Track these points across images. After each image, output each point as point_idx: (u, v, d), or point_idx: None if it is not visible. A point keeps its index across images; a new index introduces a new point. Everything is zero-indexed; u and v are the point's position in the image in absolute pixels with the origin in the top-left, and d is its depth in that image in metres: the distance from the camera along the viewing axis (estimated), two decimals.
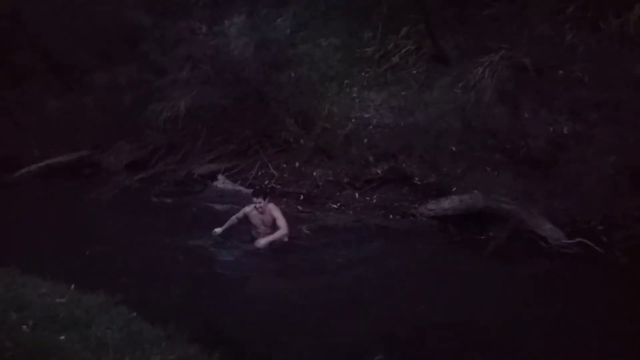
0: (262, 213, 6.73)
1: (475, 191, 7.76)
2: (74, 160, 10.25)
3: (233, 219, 6.91)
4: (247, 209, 6.81)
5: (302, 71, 10.03)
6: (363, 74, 10.01)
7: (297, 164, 9.66)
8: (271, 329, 4.76)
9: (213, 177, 9.67)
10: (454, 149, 8.58)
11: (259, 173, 9.76)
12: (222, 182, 9.42)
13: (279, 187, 9.35)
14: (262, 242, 6.51)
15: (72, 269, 5.57)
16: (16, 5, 9.95)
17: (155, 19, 9.76)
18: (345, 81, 9.96)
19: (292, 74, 10.05)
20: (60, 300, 4.40)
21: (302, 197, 8.96)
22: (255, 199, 6.63)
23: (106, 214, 8.09)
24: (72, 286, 4.85)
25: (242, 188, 9.30)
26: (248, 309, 5.21)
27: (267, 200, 6.72)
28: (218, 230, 6.82)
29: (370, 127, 9.38)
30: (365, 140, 9.22)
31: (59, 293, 4.58)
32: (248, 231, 6.96)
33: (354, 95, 9.86)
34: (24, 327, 3.71)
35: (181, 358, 3.85)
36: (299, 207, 8.57)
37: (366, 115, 9.52)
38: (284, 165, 9.76)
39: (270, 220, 6.75)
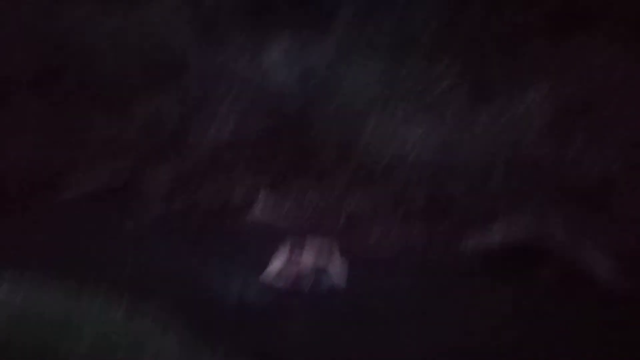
0: None
1: (522, 227, 7.50)
2: (113, 184, 10.28)
3: None
4: None
5: (342, 102, 9.98)
6: (404, 106, 9.90)
7: (333, 197, 9.55)
8: None
9: (250, 207, 9.61)
10: (497, 185, 8.36)
11: (295, 204, 9.67)
12: (259, 213, 9.34)
13: (314, 218, 9.22)
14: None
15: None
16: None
17: (197, 48, 9.94)
18: (385, 114, 9.87)
19: (332, 105, 10.02)
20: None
21: (337, 230, 8.81)
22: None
23: (145, 241, 8.05)
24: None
25: (280, 217, 9.20)
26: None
27: None
28: None
29: (409, 161, 9.23)
30: (406, 173, 9.06)
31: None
32: None
33: (393, 129, 9.76)
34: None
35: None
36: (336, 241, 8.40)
37: (405, 150, 9.38)
38: (319, 198, 9.66)
39: None
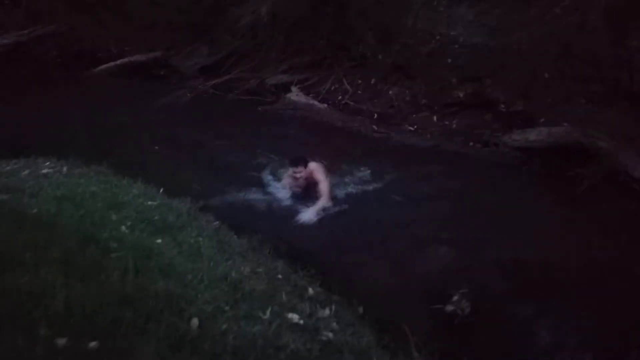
0: (297, 179, 5.68)
1: (566, 124, 7.27)
2: (149, 60, 10.21)
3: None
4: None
5: None
6: None
7: (372, 81, 9.32)
8: (354, 253, 4.71)
9: (286, 88, 9.46)
10: (546, 75, 7.99)
11: (332, 87, 9.48)
12: (295, 95, 9.20)
13: (352, 103, 9.09)
14: (306, 216, 5.29)
15: (158, 173, 5.64)
16: None
17: None
18: None
19: None
20: (152, 203, 4.48)
21: (376, 116, 8.70)
22: (293, 169, 5.56)
23: (184, 117, 8.08)
24: (161, 190, 4.94)
25: (315, 102, 9.07)
26: (331, 233, 5.15)
27: (306, 167, 5.61)
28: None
29: (457, 45, 8.80)
30: (449, 60, 8.69)
31: (150, 196, 4.66)
32: None
33: (441, 9, 9.20)
34: (123, 227, 3.79)
35: (269, 271, 3.87)
36: (374, 127, 8.32)
37: (453, 33, 8.90)
38: (359, 81, 9.43)
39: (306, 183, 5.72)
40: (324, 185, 5.57)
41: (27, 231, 3.10)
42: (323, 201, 5.45)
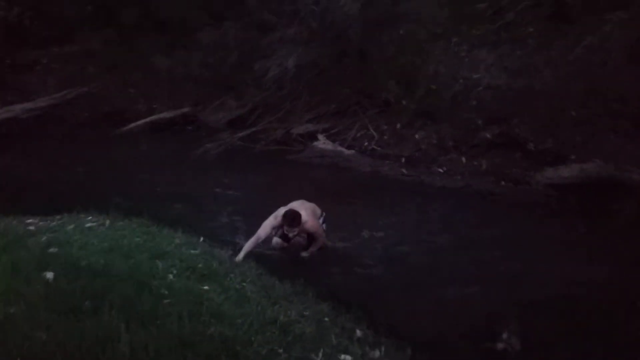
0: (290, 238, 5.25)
1: (597, 160, 7.25)
2: (177, 116, 10.50)
3: (252, 242, 4.96)
4: (267, 229, 5.02)
5: (407, 28, 9.63)
6: (474, 31, 9.45)
7: (398, 126, 9.44)
8: (398, 296, 4.67)
9: (312, 137, 9.62)
10: (574, 113, 8.04)
11: (358, 134, 9.60)
12: (322, 142, 9.34)
13: (379, 149, 9.18)
14: (305, 254, 5.28)
15: (196, 223, 5.71)
16: None
17: None
18: (454, 39, 9.46)
19: (397, 32, 9.69)
20: (194, 252, 4.52)
21: (404, 160, 8.76)
22: (288, 228, 4.98)
23: (215, 170, 8.22)
24: (201, 239, 5.00)
25: (342, 149, 9.19)
26: (369, 272, 5.14)
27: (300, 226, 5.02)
28: (241, 257, 4.80)
29: (480, 88, 8.91)
30: (474, 103, 8.78)
31: (192, 245, 4.71)
32: None
33: (463, 54, 9.38)
34: (170, 275, 3.83)
35: (315, 314, 3.85)
36: (403, 170, 8.38)
37: (475, 76, 9.04)
38: (385, 127, 9.55)
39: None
40: (320, 241, 5.25)
41: (83, 280, 3.16)
42: (321, 242, 5.24)
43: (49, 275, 3.21)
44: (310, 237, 5.29)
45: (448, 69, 9.27)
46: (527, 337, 4.01)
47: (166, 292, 3.32)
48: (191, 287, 3.67)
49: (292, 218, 4.91)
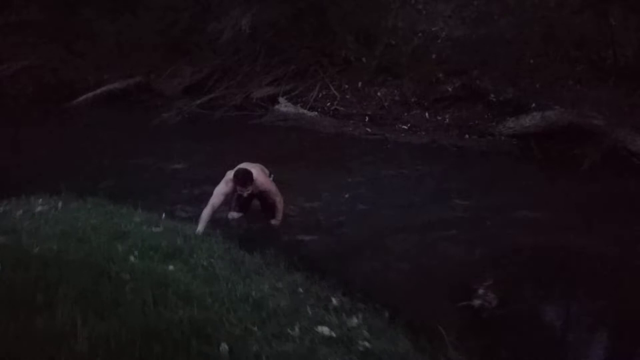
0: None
1: (558, 107, 7.26)
2: (130, 86, 10.02)
3: (207, 212, 4.67)
4: (220, 196, 4.75)
5: None
6: None
7: (359, 84, 9.25)
8: (370, 258, 4.58)
9: (273, 100, 9.34)
10: (532, 61, 8.00)
11: (320, 95, 9.39)
12: (284, 105, 9.09)
13: (342, 109, 9.00)
14: (276, 221, 5.05)
15: (156, 198, 5.46)
16: None
17: None
18: None
19: None
20: (157, 230, 4.30)
21: (367, 118, 8.62)
22: (241, 188, 4.75)
23: (173, 140, 7.90)
24: (163, 215, 4.76)
25: (305, 111, 8.98)
26: (338, 235, 5.02)
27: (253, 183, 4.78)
28: (200, 229, 4.54)
29: (439, 40, 8.80)
30: (434, 56, 8.68)
31: (153, 222, 4.48)
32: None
33: (420, 7, 9.21)
34: (132, 257, 3.62)
35: (288, 285, 3.71)
36: (367, 129, 8.24)
37: (434, 29, 8.90)
38: (346, 86, 9.36)
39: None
40: (279, 201, 4.99)
41: (33, 271, 2.92)
42: (281, 205, 5.00)
43: None
44: (264, 200, 5.05)
45: (406, 23, 9.09)
46: (503, 292, 3.99)
47: (127, 277, 3.11)
48: (155, 268, 3.47)
49: (243, 176, 4.71)
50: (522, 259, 4.65)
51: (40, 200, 4.88)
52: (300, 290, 3.67)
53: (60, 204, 4.72)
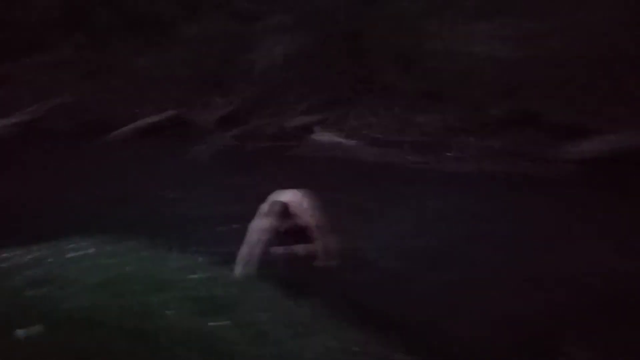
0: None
1: (622, 129, 6.72)
2: (163, 120, 9.83)
3: (245, 251, 4.32)
4: (256, 231, 4.39)
5: (398, 5, 9.01)
6: (467, 3, 8.86)
7: (397, 110, 8.87)
8: (424, 301, 4.11)
9: (308, 129, 9.01)
10: (586, 81, 7.49)
11: (356, 122, 9.01)
12: (319, 135, 8.75)
13: (380, 136, 8.61)
14: (319, 262, 4.55)
15: (191, 238, 5.12)
16: None
17: None
18: (448, 12, 8.87)
19: (387, 9, 9.06)
20: (194, 277, 3.94)
21: (408, 146, 8.20)
22: (278, 223, 4.42)
23: (208, 175, 7.59)
24: (200, 259, 4.41)
25: (341, 139, 8.61)
26: (389, 275, 4.56)
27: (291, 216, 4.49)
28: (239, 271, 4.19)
29: (482, 62, 8.35)
30: (478, 78, 8.23)
31: (190, 268, 4.12)
32: None
33: (459, 27, 8.79)
34: (169, 312, 3.25)
35: (343, 343, 3.28)
36: (409, 158, 7.81)
37: (476, 49, 8.47)
38: (383, 112, 8.98)
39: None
40: (322, 238, 4.54)
41: (63, 335, 2.58)
42: (323, 256, 4.50)
43: (21, 333, 2.61)
44: (304, 236, 4.53)
45: (446, 45, 8.69)
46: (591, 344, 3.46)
47: (165, 339, 2.74)
48: (195, 325, 3.09)
49: (280, 209, 4.37)
50: (608, 307, 4.10)
51: (72, 245, 4.59)
52: (356, 349, 3.23)
53: (92, 250, 4.41)
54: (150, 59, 9.62)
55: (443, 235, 5.40)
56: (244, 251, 4.27)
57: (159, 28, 9.55)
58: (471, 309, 3.99)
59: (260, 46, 8.35)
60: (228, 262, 4.43)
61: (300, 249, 4.57)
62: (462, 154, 7.54)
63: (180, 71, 9.44)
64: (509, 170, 6.96)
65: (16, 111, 10.79)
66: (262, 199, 4.71)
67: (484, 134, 7.69)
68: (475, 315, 3.89)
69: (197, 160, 8.11)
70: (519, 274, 4.44)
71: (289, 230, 4.52)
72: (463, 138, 7.81)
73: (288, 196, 4.50)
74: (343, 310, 3.76)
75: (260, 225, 4.39)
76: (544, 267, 4.61)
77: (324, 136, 8.73)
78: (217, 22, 8.95)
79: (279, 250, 4.66)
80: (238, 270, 4.15)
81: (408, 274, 4.63)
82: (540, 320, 3.79)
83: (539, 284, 4.26)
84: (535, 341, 3.55)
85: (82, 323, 2.79)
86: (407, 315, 3.85)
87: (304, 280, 4.49)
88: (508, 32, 8.25)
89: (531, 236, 5.19)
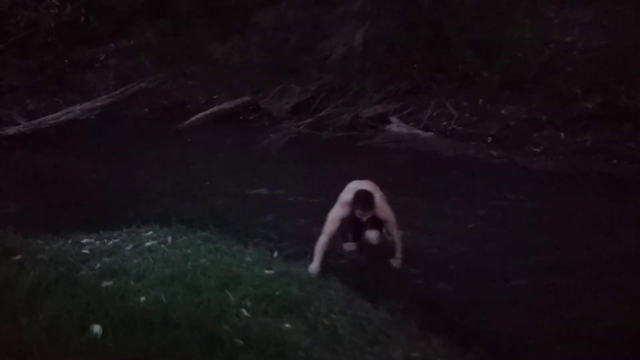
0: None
1: None
2: (238, 106, 9.91)
3: (323, 242, 4.18)
4: (336, 221, 4.23)
5: None
6: None
7: (480, 101, 8.44)
8: (511, 309, 3.83)
9: (384, 119, 8.76)
10: None
11: (435, 113, 8.68)
12: (396, 125, 8.48)
13: (460, 128, 8.24)
14: (396, 261, 4.44)
15: (266, 230, 5.06)
16: None
17: None
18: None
19: None
20: (269, 273, 3.85)
21: (490, 139, 7.78)
22: (361, 212, 4.20)
23: (282, 164, 7.53)
24: (275, 253, 4.33)
25: (419, 131, 8.30)
26: (470, 282, 4.29)
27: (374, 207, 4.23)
28: (316, 264, 4.11)
29: (575, 52, 7.78)
30: (569, 69, 7.67)
31: (265, 263, 4.04)
32: None
33: (552, 14, 8.22)
34: (244, 311, 3.18)
35: (426, 354, 3.08)
36: (492, 152, 7.40)
37: (569, 38, 7.89)
38: (465, 103, 8.58)
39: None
40: (398, 235, 4.35)
41: (136, 335, 2.55)
42: (400, 254, 4.36)
43: (97, 329, 2.61)
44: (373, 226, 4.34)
45: (535, 33, 8.15)
46: None
47: (241, 342, 2.66)
48: (270, 327, 3.00)
49: (365, 198, 4.12)
50: None
51: (151, 232, 4.64)
52: None
53: (169, 239, 4.43)
54: (228, 46, 9.67)
55: (530, 239, 5.04)
56: (322, 242, 4.13)
57: (239, 15, 9.55)
58: (554, 318, 3.67)
59: (339, 32, 8.13)
60: (303, 256, 4.34)
61: (377, 239, 4.40)
62: (550, 149, 7.05)
63: (258, 58, 9.43)
64: (603, 169, 6.44)
65: (101, 94, 11.24)
66: (337, 190, 4.54)
67: (574, 129, 7.15)
68: (566, 334, 3.56)
69: (271, 148, 8.08)
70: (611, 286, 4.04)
71: (367, 222, 4.35)
72: (551, 132, 7.31)
73: (369, 187, 4.31)
74: (422, 317, 3.55)
75: (340, 213, 4.23)
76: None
77: (400, 127, 8.46)
78: (295, 9, 8.81)
79: (356, 241, 4.56)
80: (316, 262, 4.05)
81: (492, 280, 4.35)
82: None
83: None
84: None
85: (157, 323, 2.75)
86: (493, 328, 3.59)
87: (380, 279, 4.33)
88: (605, 20, 7.63)
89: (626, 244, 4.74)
